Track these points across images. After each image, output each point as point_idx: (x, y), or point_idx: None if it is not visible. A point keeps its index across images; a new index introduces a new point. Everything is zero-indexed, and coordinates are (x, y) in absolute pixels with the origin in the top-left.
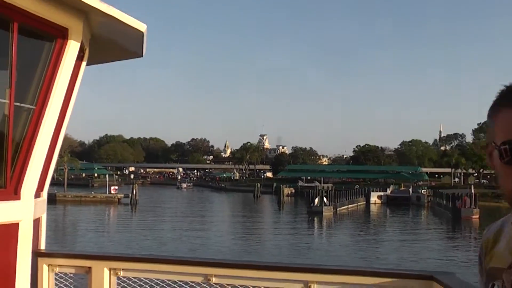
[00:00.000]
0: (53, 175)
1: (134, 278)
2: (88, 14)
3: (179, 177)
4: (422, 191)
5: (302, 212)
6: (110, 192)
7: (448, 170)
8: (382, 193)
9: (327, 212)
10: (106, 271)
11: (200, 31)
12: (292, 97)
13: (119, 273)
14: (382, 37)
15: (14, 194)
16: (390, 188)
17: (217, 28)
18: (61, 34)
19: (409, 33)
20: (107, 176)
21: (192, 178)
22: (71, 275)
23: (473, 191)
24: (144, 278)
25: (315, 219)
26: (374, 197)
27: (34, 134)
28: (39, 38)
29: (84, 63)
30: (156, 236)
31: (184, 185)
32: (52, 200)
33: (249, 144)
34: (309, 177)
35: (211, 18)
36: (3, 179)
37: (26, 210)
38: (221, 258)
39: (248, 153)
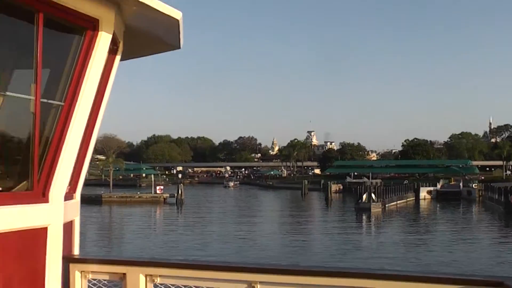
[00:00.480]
0: (100, 176)
1: (172, 285)
2: (120, 3)
3: (227, 176)
4: (473, 185)
5: (350, 209)
6: (155, 192)
7: (499, 162)
8: (432, 188)
9: (375, 208)
10: (142, 278)
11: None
12: (340, 92)
13: (155, 280)
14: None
15: (42, 196)
16: (440, 183)
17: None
18: (91, 26)
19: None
20: (152, 176)
21: (239, 177)
22: (105, 282)
23: None
24: (183, 285)
25: (363, 216)
26: (423, 192)
27: (63, 133)
28: (67, 31)
29: (118, 57)
30: (201, 237)
31: (231, 184)
32: (98, 201)
33: (296, 140)
34: (357, 173)
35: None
36: (30, 181)
37: (55, 214)
38: (265, 263)
39: (295, 150)
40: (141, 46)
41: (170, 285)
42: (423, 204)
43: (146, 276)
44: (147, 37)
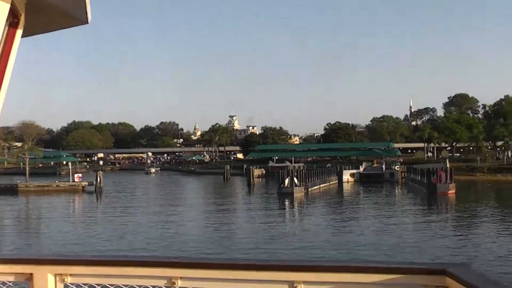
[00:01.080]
0: (19, 164)
1: (84, 284)
2: None
3: (149, 162)
4: (396, 167)
5: (273, 194)
6: (73, 180)
7: (420, 145)
8: (354, 171)
9: (298, 193)
10: (51, 278)
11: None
12: (261, 76)
13: (66, 279)
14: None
15: None
16: (363, 166)
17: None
18: None
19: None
20: (69, 163)
21: (161, 162)
22: (11, 284)
23: (448, 165)
24: (96, 284)
25: (286, 201)
26: (346, 175)
27: None
28: None
29: (19, 32)
30: (119, 228)
31: (152, 170)
32: (14, 191)
33: (217, 125)
34: (279, 158)
35: None
36: None
37: None
38: (187, 257)
39: (217, 134)
40: (46, 20)
41: (82, 284)
42: (346, 187)
43: (55, 275)
44: (52, 10)
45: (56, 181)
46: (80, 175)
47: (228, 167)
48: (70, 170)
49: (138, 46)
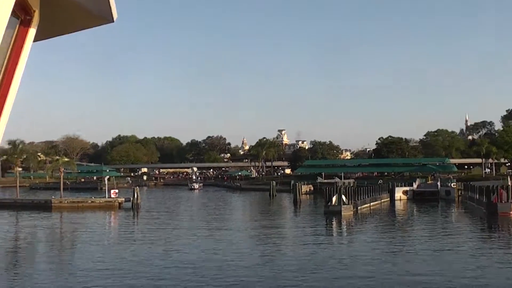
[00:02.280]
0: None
1: None
2: None
3: (194, 177)
4: (452, 184)
5: (319, 213)
6: (110, 196)
7: (477, 160)
8: (407, 188)
9: (347, 211)
10: None
11: (201, 23)
12: (313, 90)
13: None
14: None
15: None
16: (416, 182)
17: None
18: None
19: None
20: (109, 178)
21: (206, 178)
22: None
23: (509, 182)
24: None
25: (334, 220)
26: (399, 193)
27: None
28: None
29: (32, 31)
30: (153, 249)
31: (196, 186)
32: (47, 207)
33: (265, 139)
34: (329, 173)
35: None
36: None
37: None
38: None
39: (264, 149)
40: (66, 19)
41: None
42: (398, 205)
43: None
44: (72, 6)
45: (92, 197)
46: (117, 190)
47: (274, 183)
48: (106, 185)
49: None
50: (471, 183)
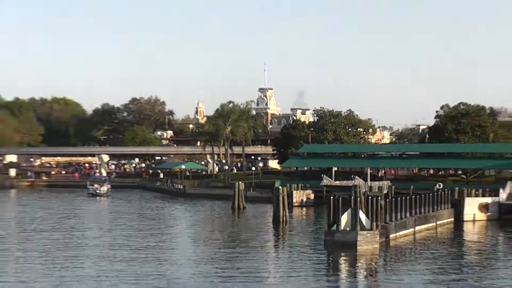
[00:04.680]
0: None
1: None
2: None
3: (104, 173)
4: None
5: (317, 244)
6: None
7: None
8: (489, 200)
9: (367, 243)
10: None
11: None
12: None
13: None
14: None
15: None
16: (507, 188)
17: None
18: None
19: None
20: None
21: (130, 173)
22: None
23: None
24: None
25: (341, 261)
26: (472, 207)
27: None
28: None
29: None
30: None
31: (102, 189)
32: None
33: (231, 105)
34: (343, 169)
35: None
36: None
37: None
38: None
39: (229, 123)
40: None
41: None
42: (470, 231)
43: None
44: None
45: None
46: None
47: (242, 186)
48: None
49: None
50: None
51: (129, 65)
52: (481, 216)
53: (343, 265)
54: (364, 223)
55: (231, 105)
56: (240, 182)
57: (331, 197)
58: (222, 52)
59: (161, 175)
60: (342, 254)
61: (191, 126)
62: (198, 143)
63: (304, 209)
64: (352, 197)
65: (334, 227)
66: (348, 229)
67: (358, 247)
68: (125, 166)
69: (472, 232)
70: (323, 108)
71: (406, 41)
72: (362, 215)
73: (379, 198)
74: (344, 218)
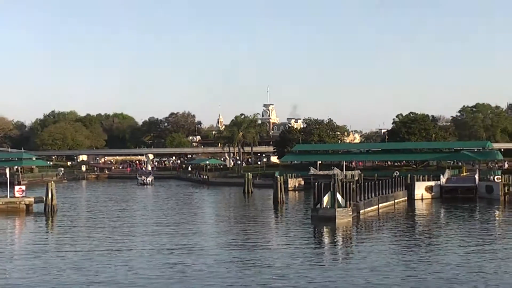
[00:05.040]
0: None
1: None
2: None
3: (148, 168)
4: (495, 177)
5: (305, 218)
6: (13, 195)
7: None
8: (433, 183)
9: (343, 217)
10: None
11: None
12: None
13: None
14: None
15: None
16: (446, 175)
17: None
18: None
19: None
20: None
21: (169, 168)
22: None
23: None
24: None
25: (324, 230)
26: (420, 189)
27: None
28: None
29: None
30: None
31: (149, 179)
32: None
33: (243, 116)
34: (326, 162)
35: None
36: None
37: None
38: None
39: (241, 129)
40: None
41: None
42: (419, 207)
43: None
44: None
45: None
46: (24, 187)
47: (250, 176)
48: (8, 178)
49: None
50: None
51: (167, 84)
52: (427, 195)
53: (325, 235)
54: (341, 202)
55: (242, 116)
56: (249, 173)
57: (315, 183)
58: (235, 76)
59: (189, 168)
60: (324, 226)
61: (214, 132)
62: (219, 145)
63: (297, 192)
64: (331, 183)
65: (318, 206)
66: (328, 207)
67: (336, 220)
68: (165, 162)
69: (421, 207)
70: (310, 118)
71: (372, 67)
72: (338, 196)
73: (351, 183)
74: (326, 199)
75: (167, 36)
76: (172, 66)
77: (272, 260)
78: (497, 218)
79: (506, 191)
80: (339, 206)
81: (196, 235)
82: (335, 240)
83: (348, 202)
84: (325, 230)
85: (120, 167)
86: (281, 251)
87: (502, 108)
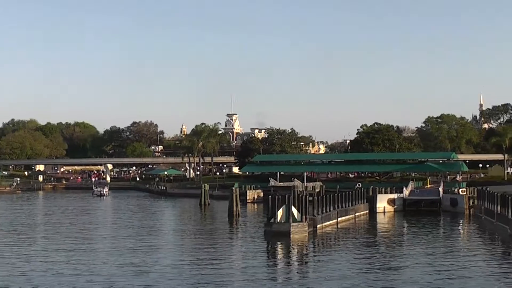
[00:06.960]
0: None
1: None
2: None
3: (107, 178)
4: (460, 190)
5: (261, 232)
6: None
7: (497, 156)
8: (395, 195)
9: (298, 232)
10: None
11: None
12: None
13: None
14: None
15: None
16: (409, 187)
17: None
18: None
19: None
20: None
21: (128, 179)
22: None
23: None
24: None
25: (277, 247)
26: (382, 202)
27: None
28: None
29: None
30: None
31: (105, 190)
32: None
33: (203, 126)
34: (287, 174)
35: None
36: None
37: None
38: None
39: (201, 139)
40: None
41: None
42: (381, 220)
43: None
44: None
45: None
46: None
47: (207, 187)
48: None
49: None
50: (488, 188)
51: (130, 93)
52: (390, 208)
53: (279, 250)
54: (296, 216)
55: (203, 126)
56: (206, 184)
57: (269, 196)
58: (199, 86)
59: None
60: (278, 242)
61: (178, 143)
62: (181, 155)
63: (256, 204)
64: (286, 195)
65: (272, 220)
66: (283, 221)
67: (291, 236)
68: (125, 172)
69: (383, 221)
70: (272, 127)
71: (340, 77)
72: (294, 210)
73: (308, 195)
74: (280, 213)
75: (132, 44)
76: (137, 75)
77: (220, 277)
78: (460, 233)
79: (470, 204)
80: (294, 220)
81: (144, 253)
82: (289, 256)
83: (304, 216)
84: (279, 245)
85: (80, 177)
86: (232, 266)
87: (467, 119)
